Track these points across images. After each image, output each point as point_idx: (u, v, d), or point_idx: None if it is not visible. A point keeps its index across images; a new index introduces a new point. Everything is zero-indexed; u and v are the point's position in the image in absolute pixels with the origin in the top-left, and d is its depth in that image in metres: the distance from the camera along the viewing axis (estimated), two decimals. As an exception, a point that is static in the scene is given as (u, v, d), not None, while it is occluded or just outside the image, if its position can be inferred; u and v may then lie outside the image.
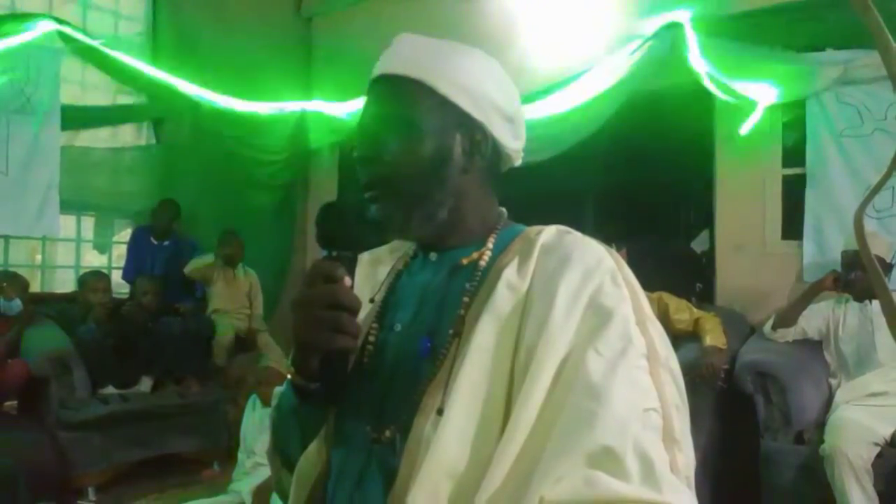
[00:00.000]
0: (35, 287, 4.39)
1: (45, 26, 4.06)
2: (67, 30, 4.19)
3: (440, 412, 0.76)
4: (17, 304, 3.58)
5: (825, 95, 3.53)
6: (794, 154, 3.76)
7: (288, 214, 5.63)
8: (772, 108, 3.69)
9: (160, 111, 4.91)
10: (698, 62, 3.71)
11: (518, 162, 0.96)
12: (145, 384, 3.97)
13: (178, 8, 4.97)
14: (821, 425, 2.85)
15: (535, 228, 0.88)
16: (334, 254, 0.81)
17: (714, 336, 3.15)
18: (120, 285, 4.65)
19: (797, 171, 3.72)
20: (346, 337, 0.76)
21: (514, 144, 0.92)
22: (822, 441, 2.70)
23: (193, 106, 4.81)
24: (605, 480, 0.66)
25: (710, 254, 4.09)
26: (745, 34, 3.64)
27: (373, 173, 0.86)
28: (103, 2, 4.83)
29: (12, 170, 4.04)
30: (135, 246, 4.68)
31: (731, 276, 3.89)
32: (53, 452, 3.38)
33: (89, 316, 3.91)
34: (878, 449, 2.63)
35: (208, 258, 4.54)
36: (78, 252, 4.90)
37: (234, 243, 4.58)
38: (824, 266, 3.45)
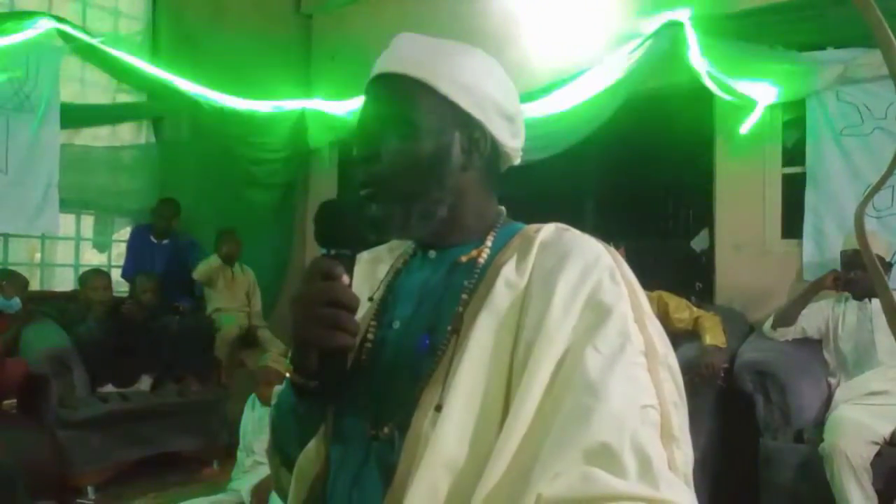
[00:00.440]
0: (34, 285, 4.39)
1: (44, 24, 4.07)
2: (67, 28, 4.19)
3: (438, 409, 0.76)
4: (16, 302, 3.57)
5: (825, 94, 3.53)
6: (794, 153, 3.76)
7: (287, 213, 5.63)
8: (772, 107, 3.69)
9: (160, 109, 4.91)
10: (698, 61, 3.72)
11: (517, 161, 0.96)
12: (145, 383, 3.97)
13: (177, 6, 4.97)
14: (820, 424, 2.85)
15: (534, 226, 0.88)
16: (333, 252, 0.81)
17: (714, 335, 3.15)
18: (120, 283, 4.65)
19: (797, 170, 3.72)
20: (344, 335, 0.76)
21: (514, 143, 0.92)
22: (821, 440, 2.70)
23: (193, 104, 4.81)
24: (603, 477, 0.65)
25: (709, 253, 4.09)
26: (745, 33, 3.64)
27: (371, 172, 0.86)
28: (103, 0, 4.82)
29: (12, 168, 4.04)
30: (134, 244, 4.68)
31: (730, 274, 3.89)
32: (53, 451, 3.38)
33: (89, 314, 3.91)
34: (877, 448, 2.63)
35: (214, 260, 4.55)
36: (77, 250, 4.90)
37: (232, 242, 4.58)
38: (824, 265, 3.45)
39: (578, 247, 0.82)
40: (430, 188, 0.86)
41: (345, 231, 0.83)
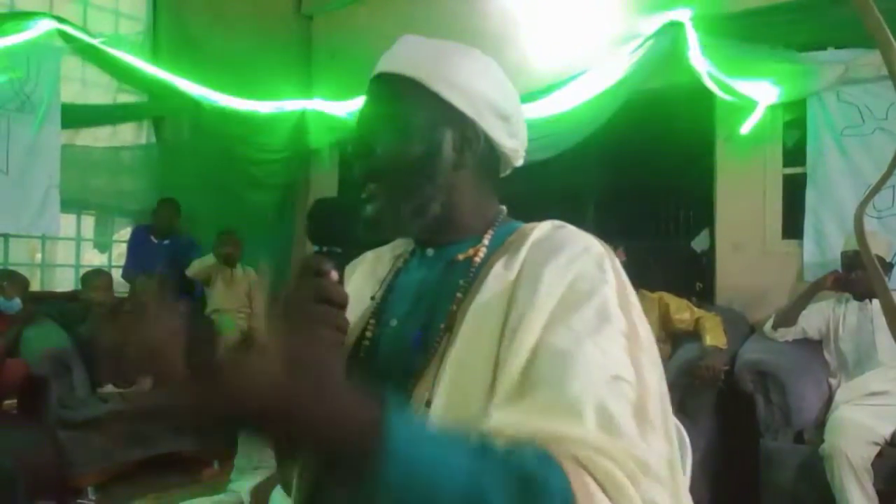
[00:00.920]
0: (35, 286, 4.39)
1: (45, 25, 4.07)
2: (68, 28, 4.19)
3: (428, 404, 0.77)
4: (16, 303, 3.57)
5: (826, 95, 3.53)
6: (795, 153, 3.76)
7: (288, 213, 5.63)
8: (772, 108, 3.69)
9: (160, 110, 4.91)
10: (699, 61, 3.72)
11: (519, 162, 0.97)
12: (145, 383, 3.97)
13: (178, 6, 4.97)
14: (821, 425, 2.85)
15: (531, 225, 0.88)
16: (324, 249, 0.82)
17: (714, 336, 3.15)
18: (120, 284, 4.65)
19: (798, 170, 3.72)
20: (332, 330, 0.77)
21: (510, 143, 0.92)
22: (821, 440, 2.70)
23: (194, 105, 4.81)
24: (557, 421, 0.65)
25: (710, 253, 4.09)
26: (745, 33, 3.64)
27: (364, 168, 0.88)
28: (103, 0, 4.83)
29: (12, 168, 4.04)
30: (135, 245, 4.68)
31: (731, 275, 3.89)
32: (53, 452, 3.38)
33: (89, 314, 3.91)
34: (877, 448, 2.63)
35: (209, 258, 4.54)
36: (78, 251, 4.90)
37: (232, 243, 4.58)
38: (824, 265, 3.45)
39: (569, 241, 0.82)
40: (420, 184, 0.87)
41: (335, 229, 0.84)
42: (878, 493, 2.57)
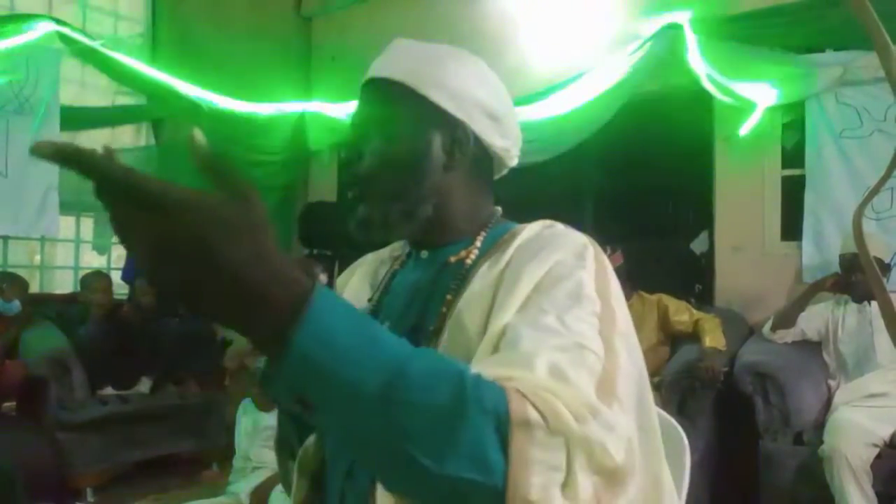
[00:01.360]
0: (34, 288, 4.38)
1: (44, 27, 4.06)
2: (67, 31, 4.18)
3: None
4: (15, 304, 3.57)
5: (824, 97, 3.53)
6: (794, 155, 3.76)
7: (287, 215, 5.62)
8: (771, 110, 3.69)
9: (160, 112, 4.91)
10: (698, 63, 3.72)
11: (513, 162, 0.97)
12: (144, 385, 3.97)
13: (177, 8, 4.97)
14: (820, 426, 2.85)
15: (522, 226, 0.89)
16: (314, 252, 0.83)
17: (713, 337, 3.15)
18: (119, 286, 4.65)
19: (796, 172, 3.72)
20: None
21: (502, 143, 0.92)
22: (821, 442, 2.70)
23: (193, 107, 4.80)
24: (508, 368, 0.63)
25: (709, 255, 4.09)
26: (744, 35, 3.64)
27: (354, 173, 0.89)
28: (103, 3, 4.83)
29: (11, 170, 4.03)
30: (134, 247, 4.67)
31: (730, 277, 3.89)
32: (52, 453, 3.38)
33: (89, 316, 3.90)
34: (877, 450, 2.63)
35: None
36: (77, 253, 4.90)
37: None
38: (823, 267, 3.45)
39: (555, 238, 0.82)
40: (410, 188, 0.87)
41: (324, 233, 0.86)
42: (878, 494, 2.57)
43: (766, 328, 3.28)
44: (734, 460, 3.07)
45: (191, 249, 0.49)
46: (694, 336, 3.25)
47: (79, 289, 4.17)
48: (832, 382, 3.14)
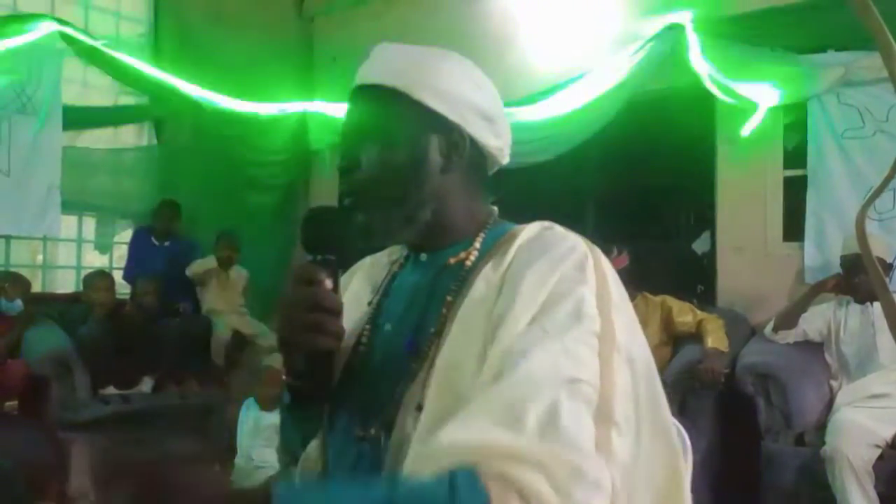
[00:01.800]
0: (36, 287, 4.39)
1: (46, 27, 4.07)
2: (69, 30, 4.19)
3: (419, 408, 0.78)
4: (18, 304, 3.58)
5: (826, 97, 3.53)
6: (796, 155, 3.75)
7: (288, 215, 5.62)
8: (773, 110, 3.69)
9: (161, 112, 4.91)
10: (699, 63, 3.71)
11: (505, 161, 0.97)
12: (146, 385, 3.97)
13: (179, 8, 4.98)
14: (822, 427, 2.85)
15: (521, 227, 0.89)
16: (319, 257, 0.83)
17: (716, 338, 3.15)
18: (121, 285, 4.66)
19: (798, 172, 3.71)
20: (326, 337, 0.79)
21: (496, 143, 0.93)
22: (822, 443, 2.70)
23: (195, 107, 4.81)
24: (492, 431, 0.65)
25: (711, 255, 4.09)
26: (746, 35, 3.64)
27: (351, 182, 0.90)
28: (105, 3, 4.83)
29: (14, 170, 4.04)
30: (135, 246, 4.68)
31: (731, 277, 3.88)
32: (53, 453, 3.38)
33: (90, 316, 3.91)
34: (879, 451, 2.62)
35: (210, 260, 4.55)
36: (79, 252, 4.91)
37: (229, 245, 4.58)
38: (825, 268, 3.45)
39: (554, 242, 0.83)
40: (409, 193, 0.88)
41: (328, 237, 0.86)
42: (880, 495, 2.56)
43: (768, 329, 3.28)
44: (736, 461, 3.06)
45: None
46: (696, 336, 3.24)
47: (81, 288, 4.17)
48: (834, 383, 3.14)
